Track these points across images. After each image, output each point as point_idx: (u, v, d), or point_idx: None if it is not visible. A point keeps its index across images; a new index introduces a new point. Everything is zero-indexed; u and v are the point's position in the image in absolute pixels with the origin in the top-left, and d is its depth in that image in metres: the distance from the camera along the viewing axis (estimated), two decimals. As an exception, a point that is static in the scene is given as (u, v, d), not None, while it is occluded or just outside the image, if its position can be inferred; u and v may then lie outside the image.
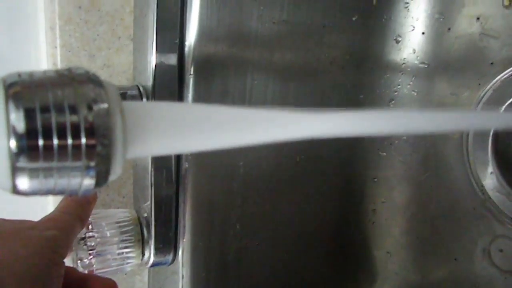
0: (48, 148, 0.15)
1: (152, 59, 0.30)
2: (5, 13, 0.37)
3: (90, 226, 0.32)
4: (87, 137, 0.15)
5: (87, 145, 0.15)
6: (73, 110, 0.15)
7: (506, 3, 0.33)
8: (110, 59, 0.35)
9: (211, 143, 0.18)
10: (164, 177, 0.33)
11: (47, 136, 0.15)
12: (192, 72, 0.31)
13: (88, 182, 0.16)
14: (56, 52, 0.34)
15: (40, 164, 0.15)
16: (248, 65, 0.33)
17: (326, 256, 0.40)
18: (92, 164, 0.16)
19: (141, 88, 0.33)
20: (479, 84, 0.35)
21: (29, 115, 0.14)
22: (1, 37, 0.37)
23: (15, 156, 0.14)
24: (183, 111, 0.18)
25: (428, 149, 0.38)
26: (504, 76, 0.34)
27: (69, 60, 0.35)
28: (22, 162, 0.14)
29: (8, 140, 0.14)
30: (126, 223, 0.33)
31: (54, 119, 0.15)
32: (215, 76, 0.32)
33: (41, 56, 0.36)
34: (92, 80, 0.16)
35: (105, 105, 0.16)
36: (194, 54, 0.31)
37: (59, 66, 0.35)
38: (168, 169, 0.33)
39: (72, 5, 0.33)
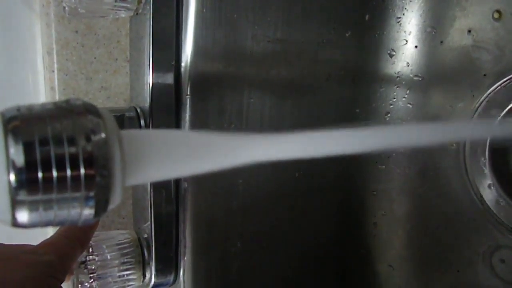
0: (47, 180, 0.15)
1: (149, 80, 0.31)
2: (3, 38, 0.37)
3: (90, 249, 0.32)
4: (86, 167, 0.15)
5: (86, 176, 0.15)
6: (72, 141, 0.15)
7: (496, 15, 0.34)
8: (107, 81, 0.36)
9: (206, 166, 0.18)
10: (164, 197, 0.33)
11: (46, 169, 0.15)
12: (188, 93, 0.31)
13: (88, 212, 0.16)
14: (54, 76, 0.35)
15: (40, 196, 0.15)
16: (244, 84, 0.33)
17: (328, 271, 0.40)
18: (92, 194, 0.16)
19: (138, 110, 0.33)
20: (473, 96, 0.36)
21: (28, 149, 0.15)
22: (-1, 63, 0.37)
23: (14, 190, 0.15)
24: (178, 138, 0.18)
25: (426, 161, 0.38)
26: (498, 88, 0.34)
27: (67, 83, 0.35)
28: (22, 196, 0.15)
29: (8, 174, 0.14)
30: (127, 245, 0.33)
31: (53, 151, 0.15)
32: (212, 96, 0.33)
33: (39, 80, 0.36)
34: (90, 110, 0.16)
35: (103, 135, 0.16)
36: (190, 74, 0.31)
37: (57, 89, 0.35)
38: (168, 189, 0.33)
39: (69, 30, 0.34)
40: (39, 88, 0.37)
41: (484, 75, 0.35)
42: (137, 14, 0.32)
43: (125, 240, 0.34)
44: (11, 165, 0.14)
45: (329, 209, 0.38)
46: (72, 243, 0.27)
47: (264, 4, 0.32)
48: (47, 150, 0.15)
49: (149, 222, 0.33)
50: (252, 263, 0.36)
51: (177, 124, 0.32)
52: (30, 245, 0.26)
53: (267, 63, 0.33)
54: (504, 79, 0.34)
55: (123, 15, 0.32)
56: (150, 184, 0.32)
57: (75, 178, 0.15)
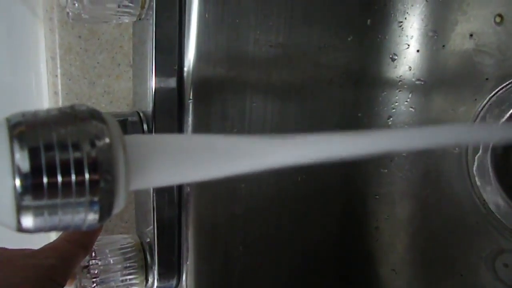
0: (52, 185, 0.15)
1: (152, 85, 0.31)
2: (6, 44, 0.37)
3: (93, 254, 0.32)
4: (90, 172, 0.15)
5: (90, 181, 0.15)
6: (76, 147, 0.15)
7: (498, 20, 0.34)
8: (111, 86, 0.36)
9: (211, 173, 0.18)
10: (166, 201, 0.33)
11: (51, 174, 0.15)
12: (191, 97, 0.32)
13: (92, 217, 0.16)
14: (57, 80, 0.35)
15: (45, 201, 0.15)
16: (246, 88, 0.33)
17: (331, 275, 0.39)
18: (96, 199, 0.16)
19: (141, 114, 0.33)
20: (475, 100, 0.36)
21: (33, 155, 0.15)
22: (3, 67, 0.38)
23: (20, 195, 0.15)
24: (182, 143, 0.18)
25: (428, 165, 0.38)
26: (500, 91, 0.34)
27: (70, 88, 0.35)
28: (27, 201, 0.15)
29: (14, 180, 0.15)
30: (129, 249, 0.33)
31: (58, 157, 0.15)
32: (214, 100, 0.33)
33: (42, 85, 0.37)
34: (94, 116, 0.16)
35: (107, 141, 0.16)
36: (193, 79, 0.31)
37: (60, 94, 0.35)
38: (170, 193, 0.33)
39: (72, 35, 0.34)
40: (43, 92, 0.37)
41: (486, 79, 0.35)
42: (140, 19, 0.32)
43: (127, 245, 0.34)
44: (16, 170, 0.15)
45: (331, 213, 0.38)
46: (75, 247, 0.27)
47: (266, 9, 0.32)
48: (52, 156, 0.15)
49: (151, 226, 0.33)
50: (254, 267, 0.36)
51: (179, 128, 0.32)
52: (32, 249, 0.26)
53: (269, 67, 0.34)
54: (506, 83, 0.34)
55: (126, 20, 0.32)
56: (153, 188, 0.32)
57: (80, 183, 0.15)
